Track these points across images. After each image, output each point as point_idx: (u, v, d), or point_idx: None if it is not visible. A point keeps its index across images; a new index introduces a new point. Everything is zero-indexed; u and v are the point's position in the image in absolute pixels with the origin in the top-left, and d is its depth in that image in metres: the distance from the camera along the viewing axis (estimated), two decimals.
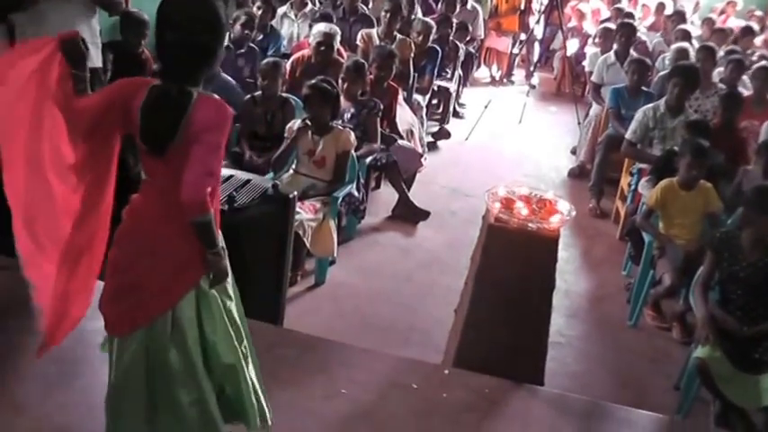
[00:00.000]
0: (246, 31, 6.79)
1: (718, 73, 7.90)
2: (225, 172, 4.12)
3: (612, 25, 9.56)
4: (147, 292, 2.66)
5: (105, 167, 2.80)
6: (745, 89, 7.38)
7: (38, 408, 3.24)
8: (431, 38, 8.50)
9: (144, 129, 2.54)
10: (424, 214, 6.61)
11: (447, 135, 9.08)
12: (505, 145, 9.33)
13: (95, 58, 4.71)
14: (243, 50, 6.83)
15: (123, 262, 2.71)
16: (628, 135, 6.58)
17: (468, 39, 10.56)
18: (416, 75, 8.10)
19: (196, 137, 2.47)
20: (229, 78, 6.04)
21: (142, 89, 2.56)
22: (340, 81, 6.13)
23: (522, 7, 12.63)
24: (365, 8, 8.85)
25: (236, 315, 2.82)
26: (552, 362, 4.30)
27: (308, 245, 4.96)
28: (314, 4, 8.68)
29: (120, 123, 2.63)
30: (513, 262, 3.82)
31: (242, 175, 4.39)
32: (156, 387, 2.70)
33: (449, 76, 9.47)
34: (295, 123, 5.34)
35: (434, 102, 9.55)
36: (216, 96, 2.58)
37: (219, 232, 2.66)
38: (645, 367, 4.85)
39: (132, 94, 2.56)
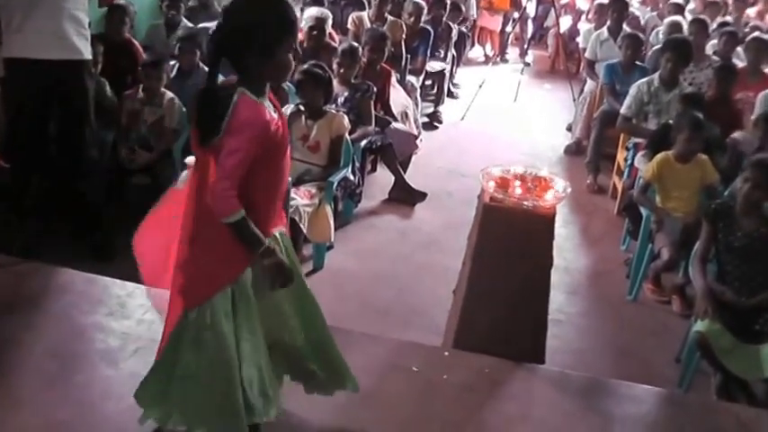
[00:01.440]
0: None
1: (711, 45, 7.88)
2: None
3: (605, 1, 9.51)
4: (189, 279, 2.68)
5: None
6: (739, 60, 7.35)
7: (37, 403, 3.23)
8: (422, 19, 8.47)
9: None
10: (421, 196, 6.59)
11: (438, 121, 9.04)
12: (501, 124, 9.31)
13: (85, 51, 4.68)
14: None
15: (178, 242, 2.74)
16: (623, 110, 6.57)
17: (461, 18, 10.51)
18: (409, 56, 8.08)
19: (227, 138, 2.48)
20: None
21: None
22: (335, 65, 6.11)
23: None
24: None
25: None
26: (553, 339, 4.30)
27: (304, 231, 4.95)
28: None
29: None
30: (509, 241, 3.80)
31: None
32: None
33: (442, 56, 9.42)
34: (288, 109, 5.32)
35: (428, 83, 9.51)
36: (255, 100, 2.54)
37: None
38: (646, 341, 4.85)
39: None
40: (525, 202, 3.76)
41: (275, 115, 2.63)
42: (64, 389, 3.31)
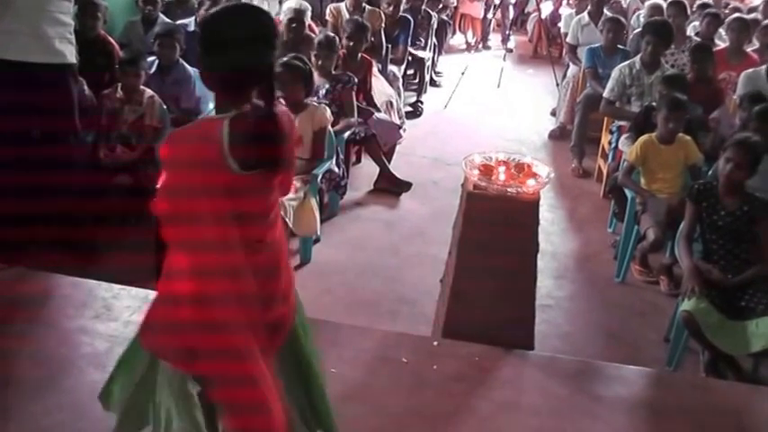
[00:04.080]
0: None
1: (693, 27, 7.90)
2: None
3: None
4: None
5: None
6: (721, 41, 7.37)
7: (24, 411, 3.21)
8: (401, 7, 8.44)
9: None
10: (407, 185, 6.58)
11: (419, 112, 9.02)
12: (485, 110, 9.30)
13: (68, 54, 4.63)
14: None
15: None
16: (605, 93, 6.57)
17: (440, 6, 10.49)
18: (390, 46, 8.05)
19: None
20: (189, 69, 5.93)
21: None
22: (313, 57, 6.08)
23: None
24: None
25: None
26: (543, 324, 4.31)
27: (290, 225, 4.93)
28: None
29: None
30: (494, 228, 3.80)
31: None
32: None
33: (423, 44, 9.40)
34: None
35: (410, 72, 9.48)
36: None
37: None
38: (634, 322, 4.87)
39: None
40: (509, 189, 3.76)
41: None
42: (52, 396, 3.28)
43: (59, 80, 4.63)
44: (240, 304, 2.29)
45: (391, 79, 7.77)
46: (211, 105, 5.97)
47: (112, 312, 3.95)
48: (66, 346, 3.68)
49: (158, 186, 2.24)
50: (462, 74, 9.41)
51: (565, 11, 10.41)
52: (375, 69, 7.06)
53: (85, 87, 5.36)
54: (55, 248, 4.92)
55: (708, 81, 6.39)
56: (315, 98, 5.73)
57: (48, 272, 4.30)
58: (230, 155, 2.18)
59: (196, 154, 2.20)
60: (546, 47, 11.61)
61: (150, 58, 5.83)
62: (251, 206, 2.31)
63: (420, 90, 9.30)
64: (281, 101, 5.19)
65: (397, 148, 7.01)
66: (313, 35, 6.80)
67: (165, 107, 5.45)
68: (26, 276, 4.25)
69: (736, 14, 7.88)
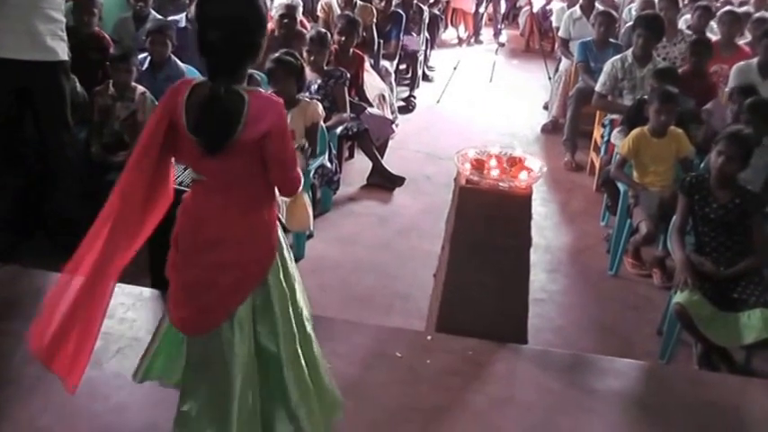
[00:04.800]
0: None
1: (684, 20, 7.91)
2: None
3: None
4: (219, 289, 2.62)
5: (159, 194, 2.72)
6: (713, 34, 7.38)
7: (18, 411, 3.21)
8: (393, 2, 8.44)
9: (196, 130, 2.47)
10: (400, 180, 6.59)
11: (412, 107, 9.02)
12: (477, 105, 9.30)
13: (60, 52, 4.62)
14: None
15: (182, 262, 2.67)
16: (597, 87, 6.57)
17: (432, 1, 10.48)
18: (382, 41, 8.04)
19: (265, 134, 2.45)
20: (180, 64, 5.91)
21: (182, 91, 2.51)
22: (304, 53, 6.07)
23: None
24: None
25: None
26: (536, 318, 4.32)
27: (283, 221, 4.91)
28: None
29: (172, 140, 2.58)
30: (487, 222, 3.80)
31: None
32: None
33: (415, 39, 9.39)
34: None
35: (403, 67, 9.48)
36: (261, 90, 2.54)
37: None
38: (628, 315, 4.88)
39: (174, 104, 2.52)
40: (501, 183, 3.77)
41: None
42: (46, 394, 3.27)
43: (51, 77, 4.62)
44: None
45: (383, 74, 7.77)
46: None
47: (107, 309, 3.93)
48: None
49: (287, 155, 2.56)
50: (455, 68, 9.42)
51: (556, 4, 10.39)
52: (367, 64, 7.06)
53: (77, 84, 5.35)
54: (48, 247, 4.93)
55: (701, 74, 6.39)
56: (307, 94, 5.73)
57: (42, 270, 4.29)
58: None
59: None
60: (538, 41, 11.61)
61: (142, 55, 5.82)
62: None
63: (412, 85, 9.30)
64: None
65: (390, 143, 7.01)
66: (305, 31, 6.79)
67: (156, 103, 5.43)
68: (20, 274, 4.25)
69: (728, 7, 7.89)
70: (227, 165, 2.51)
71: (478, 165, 3.85)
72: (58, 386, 3.33)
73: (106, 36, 6.00)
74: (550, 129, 8.36)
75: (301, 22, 7.07)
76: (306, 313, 2.85)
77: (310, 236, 5.37)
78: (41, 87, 4.62)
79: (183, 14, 6.65)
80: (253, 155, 2.49)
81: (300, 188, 2.72)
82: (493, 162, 3.88)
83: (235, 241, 2.60)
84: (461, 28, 12.76)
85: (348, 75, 6.21)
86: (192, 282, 2.66)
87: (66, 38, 4.70)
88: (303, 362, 2.77)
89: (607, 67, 6.52)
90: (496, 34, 12.19)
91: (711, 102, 5.97)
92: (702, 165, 5.06)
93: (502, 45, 11.62)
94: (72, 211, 4.91)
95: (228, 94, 2.43)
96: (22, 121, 4.81)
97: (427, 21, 9.77)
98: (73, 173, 4.87)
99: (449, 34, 12.85)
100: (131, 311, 3.92)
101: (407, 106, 8.89)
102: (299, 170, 2.65)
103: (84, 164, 5.16)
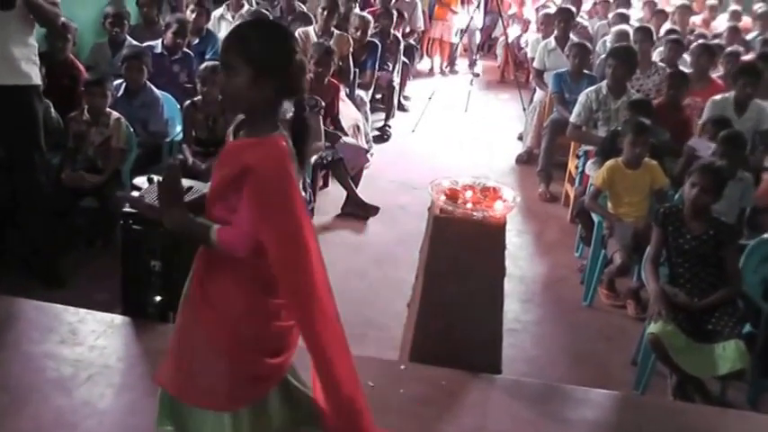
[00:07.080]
0: (179, 40, 6.60)
1: (658, 53, 7.99)
2: None
3: (551, 11, 9.61)
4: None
5: None
6: (685, 67, 7.45)
7: None
8: (369, 32, 8.46)
9: None
10: (374, 210, 6.57)
11: (387, 136, 9.03)
12: (452, 135, 9.30)
13: (34, 76, 4.61)
14: (177, 56, 6.63)
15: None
16: (572, 118, 6.61)
17: (407, 30, 10.53)
18: (357, 70, 8.06)
19: None
20: (156, 91, 5.90)
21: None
22: None
23: None
24: (303, 6, 8.79)
25: None
26: (510, 348, 4.30)
27: None
28: (251, 5, 8.56)
29: None
30: (460, 252, 3.80)
31: (184, 182, 4.29)
32: None
33: (390, 69, 9.40)
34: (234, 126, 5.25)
35: (378, 96, 9.48)
36: None
37: None
38: (602, 346, 4.88)
39: None
40: (475, 213, 3.77)
41: None
42: (14, 422, 3.22)
43: (24, 101, 4.60)
44: None
45: (359, 103, 7.77)
46: (179, 128, 5.99)
47: (78, 337, 3.90)
48: (30, 371, 3.62)
49: None
50: (430, 98, 9.44)
51: (531, 35, 10.47)
52: (342, 93, 7.06)
53: (52, 110, 5.32)
54: (20, 272, 4.87)
55: (676, 107, 6.44)
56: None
57: (12, 296, 4.23)
58: None
59: None
60: (513, 71, 11.68)
61: (117, 81, 5.79)
62: None
63: (388, 114, 9.31)
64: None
65: (365, 172, 7.01)
66: None
67: (131, 129, 5.41)
68: None
69: (701, 41, 7.99)
70: None
71: (452, 195, 3.85)
72: (28, 413, 3.30)
73: (78, 64, 5.97)
74: (525, 159, 8.38)
75: None
76: None
77: None
78: (14, 110, 4.59)
79: (159, 41, 6.63)
80: None
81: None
82: (468, 193, 3.88)
83: None
84: (437, 58, 12.82)
85: (323, 103, 6.21)
86: None
87: (38, 62, 4.69)
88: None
89: (582, 98, 6.56)
90: (472, 65, 12.24)
91: (694, 139, 5.95)
92: (677, 196, 5.09)
93: (477, 75, 11.67)
94: (42, 237, 4.87)
95: None
96: None
97: (403, 51, 9.79)
98: (43, 196, 4.82)
99: (424, 64, 12.90)
100: (102, 339, 3.87)
101: (383, 136, 8.89)
102: None
103: (55, 188, 5.11)
